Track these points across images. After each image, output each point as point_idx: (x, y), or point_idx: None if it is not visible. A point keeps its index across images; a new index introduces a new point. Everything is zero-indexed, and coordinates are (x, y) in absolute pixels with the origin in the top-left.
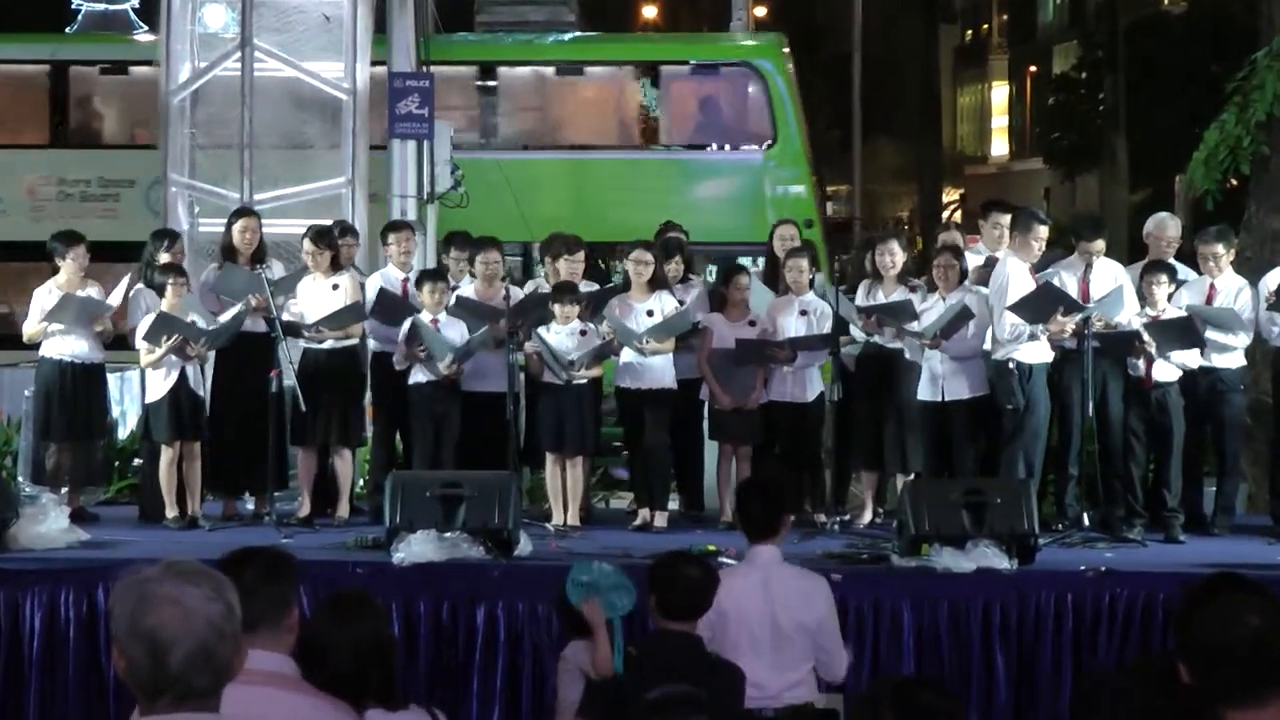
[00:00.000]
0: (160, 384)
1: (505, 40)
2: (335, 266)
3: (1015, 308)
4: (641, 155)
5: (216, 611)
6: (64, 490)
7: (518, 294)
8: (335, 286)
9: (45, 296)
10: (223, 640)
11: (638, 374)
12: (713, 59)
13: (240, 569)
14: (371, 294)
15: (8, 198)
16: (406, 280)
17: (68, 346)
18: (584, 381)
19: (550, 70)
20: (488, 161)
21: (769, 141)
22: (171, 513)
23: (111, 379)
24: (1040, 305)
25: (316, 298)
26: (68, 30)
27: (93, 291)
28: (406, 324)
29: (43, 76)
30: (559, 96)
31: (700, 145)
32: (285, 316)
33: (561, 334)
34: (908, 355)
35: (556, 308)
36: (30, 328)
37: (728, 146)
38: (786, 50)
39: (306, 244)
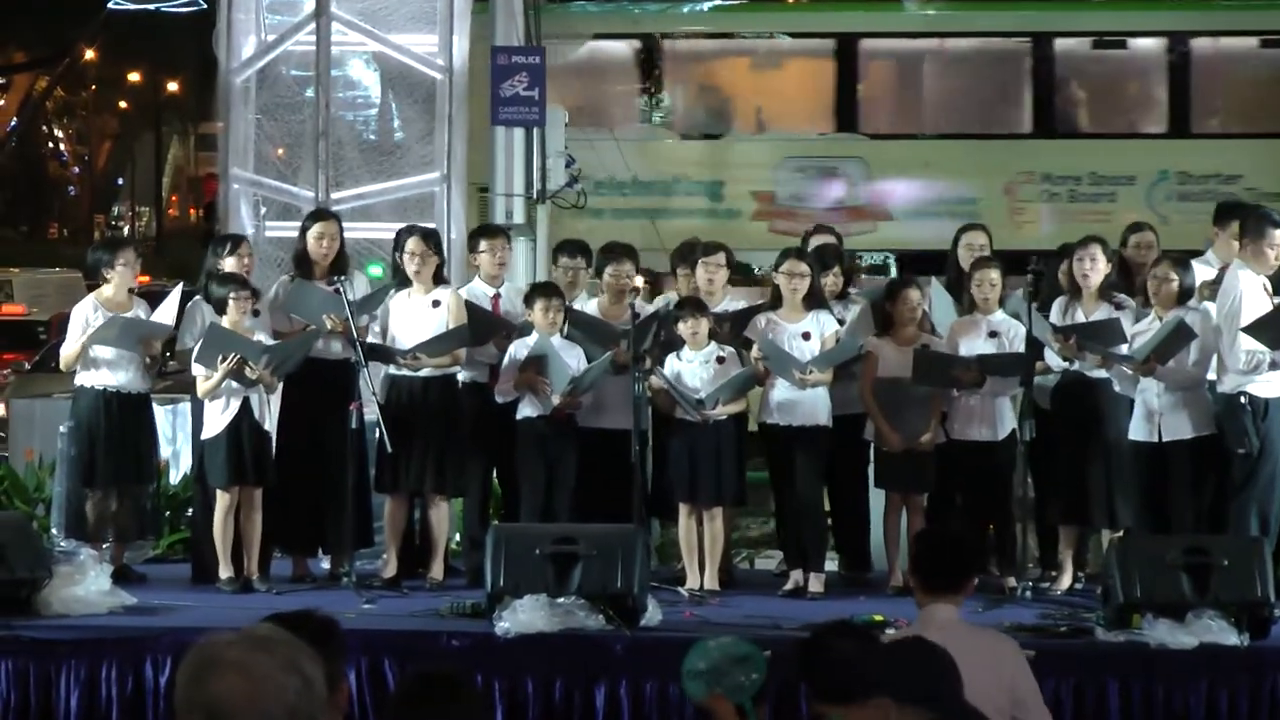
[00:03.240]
0: (217, 417)
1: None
2: (437, 279)
3: (1251, 330)
4: None
5: (289, 685)
6: (106, 545)
7: (646, 310)
8: (436, 304)
9: (89, 314)
10: (294, 719)
11: (787, 409)
12: None
13: None
14: None
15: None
16: (498, 297)
17: (111, 374)
18: (723, 418)
19: None
20: None
21: None
22: (226, 572)
23: (161, 412)
24: None
25: (412, 317)
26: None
27: (140, 311)
28: (513, 348)
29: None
30: None
31: None
32: (369, 338)
33: (695, 362)
34: (1116, 386)
35: (681, 326)
36: (69, 350)
37: None
38: None
39: (411, 244)
